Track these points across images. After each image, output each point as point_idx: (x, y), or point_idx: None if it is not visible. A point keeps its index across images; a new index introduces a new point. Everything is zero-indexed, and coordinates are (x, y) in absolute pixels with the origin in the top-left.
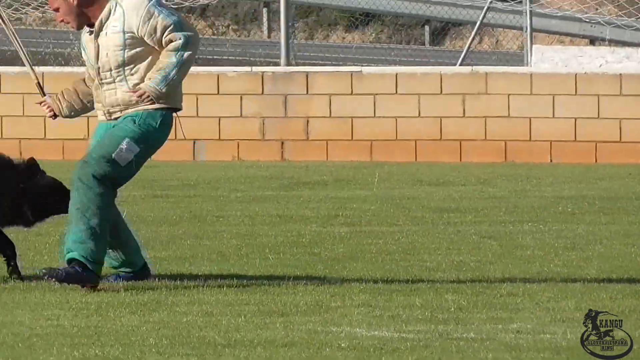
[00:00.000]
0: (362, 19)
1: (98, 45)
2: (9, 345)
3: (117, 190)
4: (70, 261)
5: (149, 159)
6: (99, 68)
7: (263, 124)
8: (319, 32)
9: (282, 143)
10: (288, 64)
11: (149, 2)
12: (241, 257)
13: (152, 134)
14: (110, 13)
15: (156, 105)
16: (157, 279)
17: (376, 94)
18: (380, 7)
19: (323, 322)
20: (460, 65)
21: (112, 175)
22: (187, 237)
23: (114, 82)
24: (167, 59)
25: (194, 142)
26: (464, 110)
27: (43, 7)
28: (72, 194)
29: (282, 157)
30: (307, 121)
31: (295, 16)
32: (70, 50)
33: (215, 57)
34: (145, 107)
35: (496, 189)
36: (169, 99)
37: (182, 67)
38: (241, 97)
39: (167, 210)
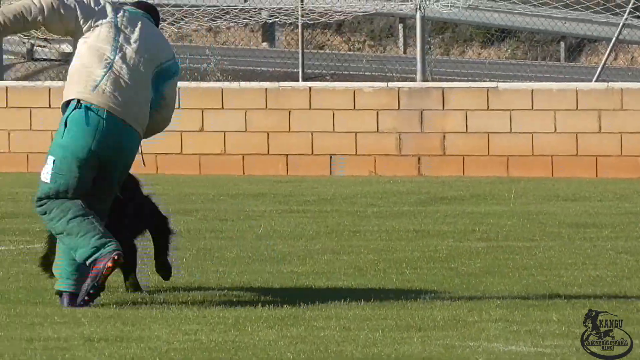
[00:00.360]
0: (497, 35)
1: None
2: (145, 359)
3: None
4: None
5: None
6: None
7: (399, 139)
8: (455, 48)
9: (419, 158)
10: (424, 79)
11: None
12: (378, 272)
13: (57, 135)
14: None
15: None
16: (293, 294)
17: (512, 110)
18: (516, 24)
19: (460, 336)
20: (596, 81)
21: (47, 193)
22: (324, 252)
23: None
24: None
25: (331, 157)
26: (599, 126)
27: (178, 22)
28: None
29: (419, 172)
30: (444, 136)
31: (431, 32)
32: (207, 66)
33: (351, 72)
34: None
35: (632, 205)
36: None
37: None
38: (377, 113)
39: (304, 225)
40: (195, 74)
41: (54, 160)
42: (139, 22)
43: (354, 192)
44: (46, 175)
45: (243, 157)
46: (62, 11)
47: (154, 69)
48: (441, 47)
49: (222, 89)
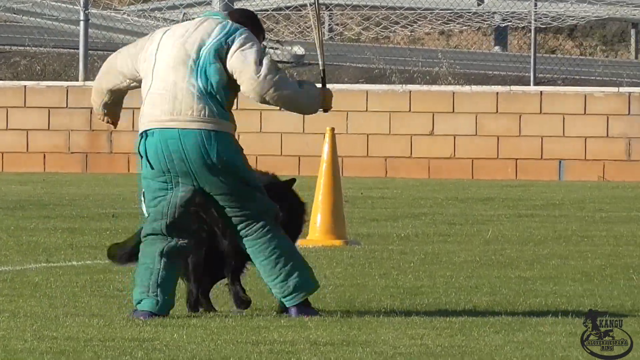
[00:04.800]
0: None
1: None
2: None
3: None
4: None
5: None
6: None
7: (629, 144)
8: None
9: None
10: None
11: None
12: (605, 277)
13: None
14: None
15: None
16: (521, 299)
17: None
18: None
19: None
20: None
21: None
22: (552, 257)
23: None
24: None
25: (560, 162)
26: None
27: (412, 25)
28: None
29: None
30: None
31: None
32: (439, 69)
33: (582, 77)
34: None
35: None
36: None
37: None
38: (607, 118)
39: (532, 230)
40: (427, 77)
41: None
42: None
43: (582, 197)
44: None
45: (472, 161)
46: None
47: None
48: None
49: (454, 93)
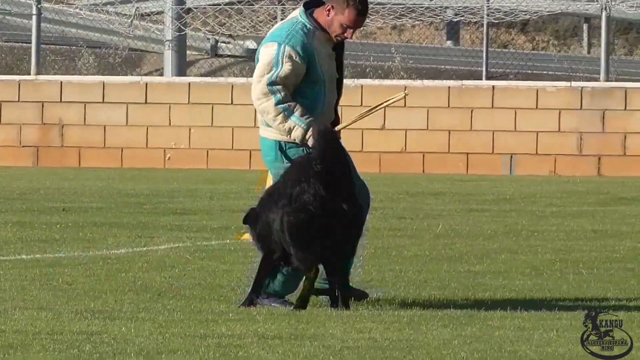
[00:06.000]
0: None
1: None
2: (319, 358)
3: None
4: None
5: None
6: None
7: (580, 139)
8: (639, 48)
9: (599, 158)
10: (607, 79)
11: None
12: (555, 271)
13: None
14: None
15: None
16: (470, 293)
17: None
18: None
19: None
20: None
21: None
22: (502, 251)
23: None
24: None
25: (511, 157)
26: None
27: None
28: None
29: (599, 173)
30: (625, 137)
31: (615, 32)
32: (391, 64)
33: (535, 72)
34: None
35: None
36: None
37: None
38: (559, 112)
39: (483, 224)
40: (379, 71)
41: None
42: None
43: (533, 192)
44: None
45: (424, 155)
46: None
47: None
48: (625, 48)
49: (406, 87)
